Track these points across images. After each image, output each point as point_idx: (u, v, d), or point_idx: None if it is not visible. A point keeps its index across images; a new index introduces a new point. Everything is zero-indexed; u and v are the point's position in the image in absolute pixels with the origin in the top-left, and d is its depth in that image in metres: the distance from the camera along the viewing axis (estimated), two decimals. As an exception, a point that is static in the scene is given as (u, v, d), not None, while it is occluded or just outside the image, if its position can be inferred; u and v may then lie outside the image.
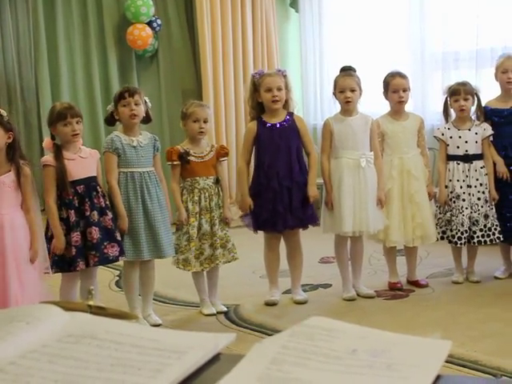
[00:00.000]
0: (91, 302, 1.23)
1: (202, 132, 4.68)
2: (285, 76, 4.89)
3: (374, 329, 1.02)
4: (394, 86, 5.10)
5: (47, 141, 4.40)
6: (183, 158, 4.64)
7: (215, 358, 1.00)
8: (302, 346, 0.97)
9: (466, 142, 5.18)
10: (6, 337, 0.98)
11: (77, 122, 4.27)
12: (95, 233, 4.22)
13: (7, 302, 3.85)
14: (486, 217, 5.16)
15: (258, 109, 4.90)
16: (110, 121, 4.61)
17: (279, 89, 4.79)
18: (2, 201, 3.94)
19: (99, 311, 1.22)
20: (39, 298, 3.96)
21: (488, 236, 5.15)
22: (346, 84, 4.91)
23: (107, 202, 4.36)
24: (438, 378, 0.92)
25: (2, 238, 3.91)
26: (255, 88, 4.86)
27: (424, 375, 0.90)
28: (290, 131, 4.84)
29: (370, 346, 0.96)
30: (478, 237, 5.14)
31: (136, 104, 4.44)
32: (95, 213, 4.25)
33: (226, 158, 4.85)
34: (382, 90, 5.18)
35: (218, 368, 0.98)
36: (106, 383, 0.90)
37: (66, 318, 1.08)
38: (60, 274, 4.31)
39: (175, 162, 4.65)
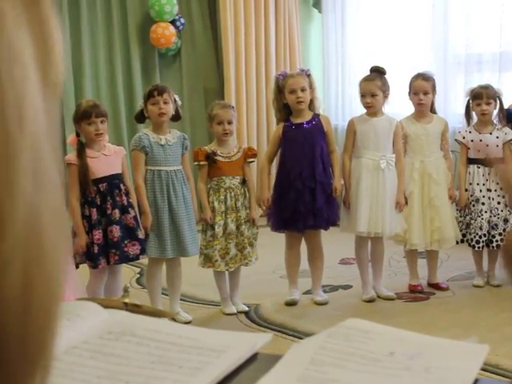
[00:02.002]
0: (127, 300, 1.24)
1: (225, 133, 4.68)
2: (308, 75, 4.88)
3: (411, 331, 1.02)
4: (415, 88, 5.09)
5: (72, 137, 4.43)
6: (210, 158, 4.65)
7: (253, 358, 1.01)
8: (339, 347, 0.98)
9: (487, 145, 5.16)
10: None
11: (101, 122, 4.30)
12: (116, 231, 4.24)
13: None
14: (506, 221, 5.14)
15: (284, 110, 4.90)
16: (140, 118, 4.66)
17: (303, 89, 4.78)
18: None
19: (135, 309, 1.23)
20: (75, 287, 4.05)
21: (508, 240, 5.12)
22: (366, 89, 4.92)
23: (130, 200, 4.39)
24: (476, 382, 0.92)
25: None
26: (279, 90, 4.87)
27: (462, 379, 0.91)
28: (316, 131, 4.84)
29: (408, 348, 0.97)
30: (497, 241, 5.12)
31: (165, 102, 4.48)
32: (117, 211, 4.28)
33: (253, 160, 4.85)
34: (408, 91, 5.18)
35: (256, 367, 0.99)
36: (147, 380, 0.91)
37: (104, 315, 1.09)
38: (83, 271, 4.35)
39: (202, 163, 4.68)
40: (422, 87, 5.09)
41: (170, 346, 0.99)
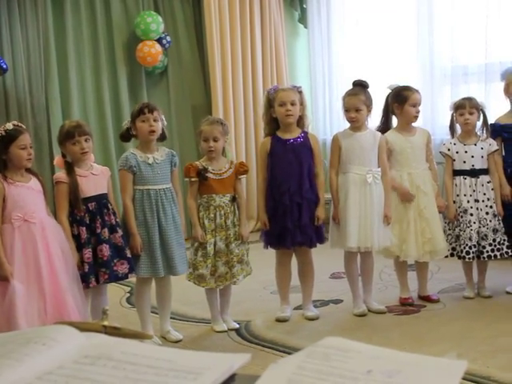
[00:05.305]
0: (106, 323, 1.23)
1: (210, 151, 4.66)
2: (300, 92, 4.88)
3: (389, 349, 1.01)
4: (414, 101, 5.09)
5: (58, 159, 4.42)
6: (201, 174, 4.63)
7: (230, 379, 1.00)
8: (317, 366, 0.97)
9: (473, 156, 5.18)
10: (22, 358, 0.99)
11: (85, 140, 4.28)
12: (105, 250, 4.22)
13: (64, 311, 3.96)
14: (495, 231, 5.15)
15: (273, 125, 4.90)
16: (126, 136, 4.61)
17: (293, 103, 4.78)
18: (37, 205, 4.04)
19: (114, 331, 1.22)
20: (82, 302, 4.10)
21: (498, 250, 5.13)
22: (350, 104, 4.91)
23: (117, 220, 4.37)
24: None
25: (47, 241, 4.00)
26: (270, 104, 4.86)
27: (440, 396, 0.90)
28: (303, 148, 4.83)
29: (386, 366, 0.96)
30: (487, 251, 5.12)
31: (154, 120, 4.46)
32: (106, 230, 4.26)
33: (244, 176, 4.82)
34: (394, 103, 5.16)
35: (234, 389, 0.98)
36: (122, 405, 0.90)
37: (81, 339, 1.08)
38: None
39: (193, 179, 4.65)
40: (420, 100, 5.14)
41: (146, 369, 0.98)
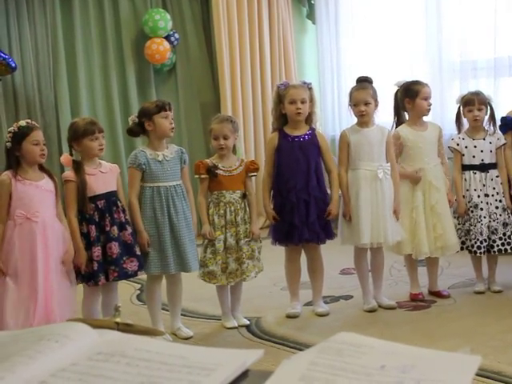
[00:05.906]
0: (118, 319, 1.23)
1: (221, 149, 4.66)
2: (310, 89, 4.88)
3: (402, 344, 1.01)
4: (425, 94, 5.09)
5: (65, 157, 4.41)
6: (211, 171, 4.63)
7: (244, 375, 1.00)
8: (330, 362, 0.96)
9: (482, 151, 5.17)
10: (36, 356, 0.99)
11: (102, 137, 4.32)
12: (115, 248, 4.23)
13: (49, 305, 3.98)
14: (505, 225, 5.14)
15: (282, 120, 4.89)
16: (135, 132, 4.60)
17: (303, 101, 4.78)
18: (44, 204, 4.07)
19: (126, 328, 1.22)
20: (70, 303, 4.09)
21: (508, 244, 5.12)
22: (359, 98, 4.90)
23: (127, 217, 4.38)
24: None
25: (46, 242, 4.00)
26: (280, 99, 4.86)
27: (454, 391, 0.90)
28: (311, 145, 4.83)
29: (399, 361, 0.96)
30: (497, 245, 5.11)
31: (172, 118, 4.49)
32: (115, 228, 4.27)
33: (255, 174, 4.81)
34: (404, 98, 5.15)
35: (247, 385, 0.98)
36: (136, 401, 0.90)
37: (94, 336, 1.08)
38: (81, 287, 4.33)
39: (203, 176, 4.65)
40: (430, 93, 5.14)
41: (159, 366, 0.98)
